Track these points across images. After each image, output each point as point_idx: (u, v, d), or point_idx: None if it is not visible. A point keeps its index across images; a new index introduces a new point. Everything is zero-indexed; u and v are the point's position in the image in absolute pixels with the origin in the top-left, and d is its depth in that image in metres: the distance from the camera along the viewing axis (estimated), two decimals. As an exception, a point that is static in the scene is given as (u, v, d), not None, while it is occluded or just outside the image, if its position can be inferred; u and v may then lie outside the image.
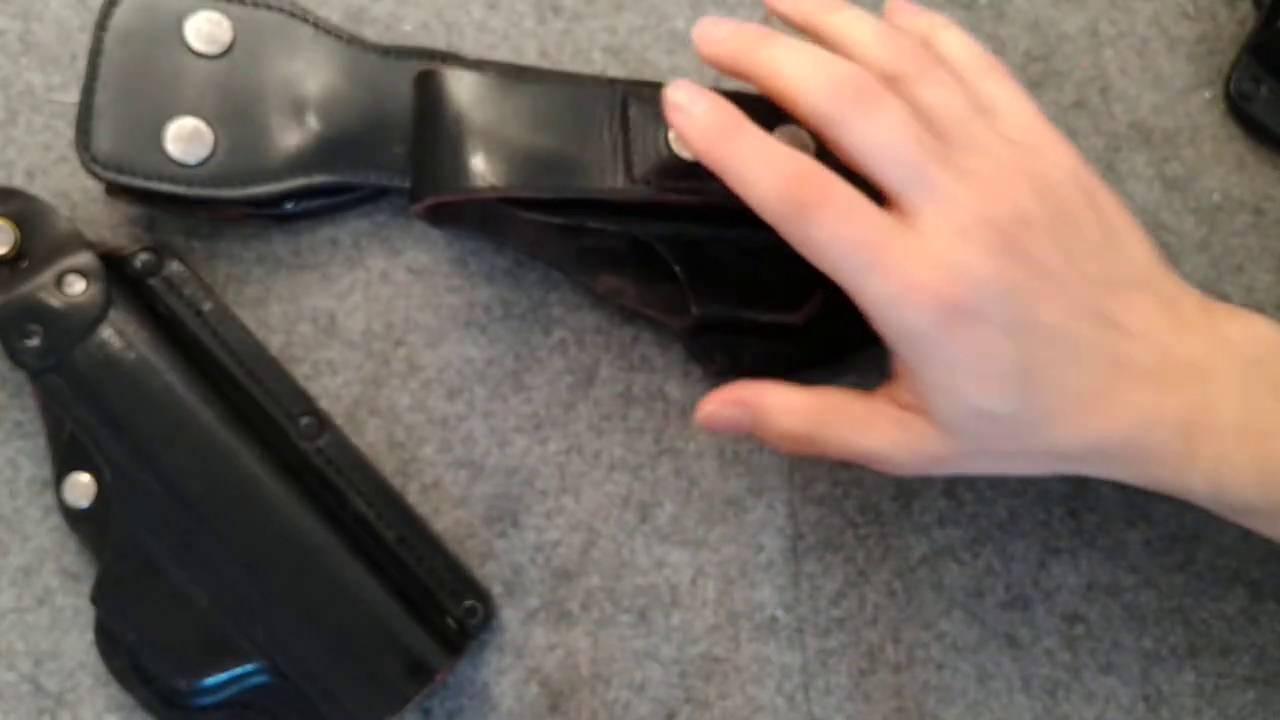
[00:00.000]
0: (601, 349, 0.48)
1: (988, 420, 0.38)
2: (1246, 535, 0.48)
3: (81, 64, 0.47)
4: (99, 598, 0.43)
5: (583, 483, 0.47)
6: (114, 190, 0.46)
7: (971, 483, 0.48)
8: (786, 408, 0.41)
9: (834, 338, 0.47)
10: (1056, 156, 0.40)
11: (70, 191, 0.48)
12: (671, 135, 0.43)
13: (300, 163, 0.46)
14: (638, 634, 0.46)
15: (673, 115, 0.39)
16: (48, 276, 0.43)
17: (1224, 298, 0.50)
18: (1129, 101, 0.51)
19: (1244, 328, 0.40)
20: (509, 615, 0.46)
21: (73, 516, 0.44)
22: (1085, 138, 0.51)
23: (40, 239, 0.44)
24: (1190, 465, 0.39)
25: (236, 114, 0.45)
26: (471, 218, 0.46)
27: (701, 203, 0.43)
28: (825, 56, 0.39)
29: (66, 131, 0.48)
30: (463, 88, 0.42)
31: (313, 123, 0.46)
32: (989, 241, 0.37)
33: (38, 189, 0.47)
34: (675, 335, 0.48)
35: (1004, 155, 0.39)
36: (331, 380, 0.47)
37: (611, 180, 0.42)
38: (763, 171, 0.37)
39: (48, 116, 0.48)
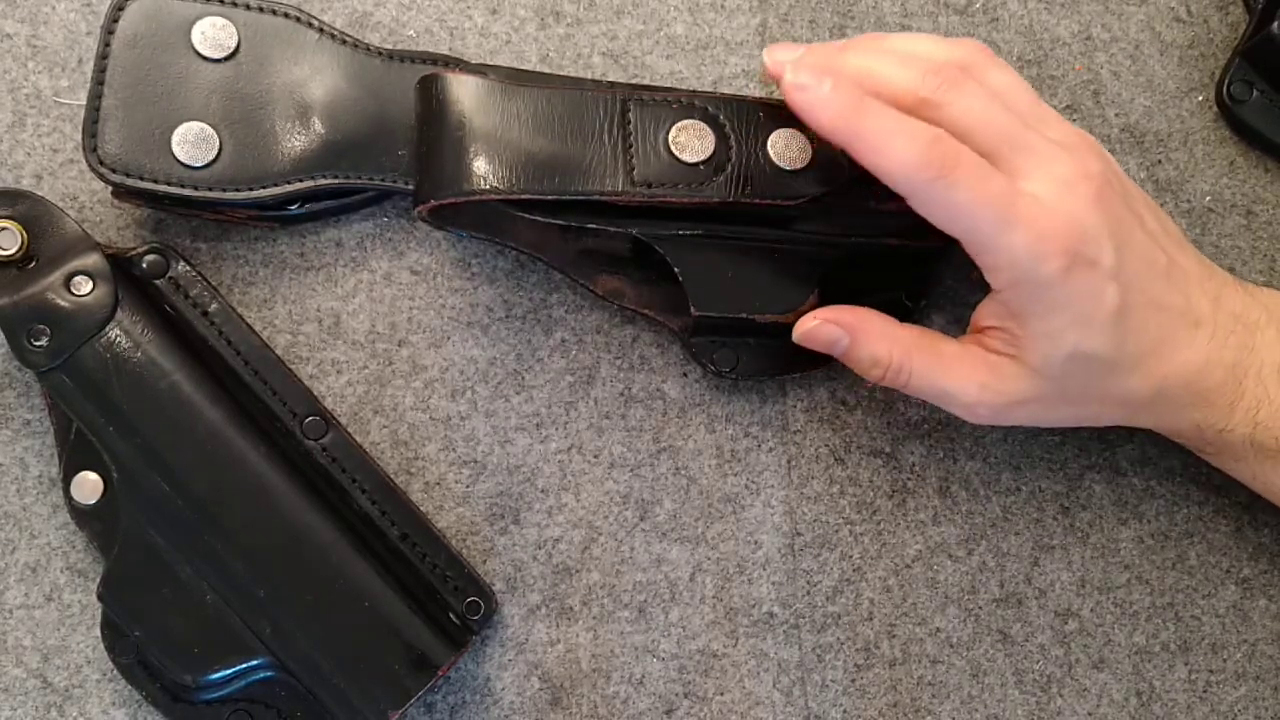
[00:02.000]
0: (601, 349, 0.49)
1: (1082, 364, 0.41)
2: (1238, 532, 0.49)
3: (88, 68, 0.48)
4: (106, 594, 0.43)
5: (583, 481, 0.48)
6: (121, 193, 0.46)
7: (966, 481, 0.49)
8: (884, 334, 0.44)
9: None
10: (1099, 145, 0.44)
11: (78, 194, 0.48)
12: (671, 137, 0.43)
13: (305, 165, 0.46)
14: (637, 629, 0.47)
15: (797, 95, 0.41)
16: (56, 278, 0.43)
17: (1215, 299, 0.50)
18: (1121, 105, 0.52)
19: (1269, 294, 0.45)
20: (511, 611, 0.47)
21: (80, 514, 0.44)
22: (1078, 141, 0.51)
23: (48, 241, 0.44)
24: (1237, 405, 0.43)
25: (242, 118, 0.46)
26: (474, 220, 0.47)
27: (701, 204, 0.44)
28: (907, 55, 0.42)
29: (74, 135, 0.48)
30: (465, 92, 0.43)
31: (317, 126, 0.46)
32: (1089, 194, 0.40)
33: (46, 191, 0.48)
34: (674, 335, 0.48)
35: (1071, 130, 0.42)
36: (336, 380, 0.48)
37: (612, 182, 0.43)
38: (901, 142, 0.39)
39: (55, 120, 0.49)
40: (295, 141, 0.46)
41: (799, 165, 0.44)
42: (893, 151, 0.39)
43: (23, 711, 0.45)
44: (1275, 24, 0.50)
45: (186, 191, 0.45)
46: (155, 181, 0.45)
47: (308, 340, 0.48)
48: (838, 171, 0.44)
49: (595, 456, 0.48)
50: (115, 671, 0.44)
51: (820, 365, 0.48)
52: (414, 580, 0.45)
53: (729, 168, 0.43)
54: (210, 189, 0.45)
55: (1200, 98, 0.52)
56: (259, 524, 0.43)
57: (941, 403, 0.44)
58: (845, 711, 0.47)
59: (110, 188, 0.46)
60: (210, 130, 0.45)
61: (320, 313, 0.48)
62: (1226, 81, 0.51)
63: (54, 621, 0.46)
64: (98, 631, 0.45)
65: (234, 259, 0.48)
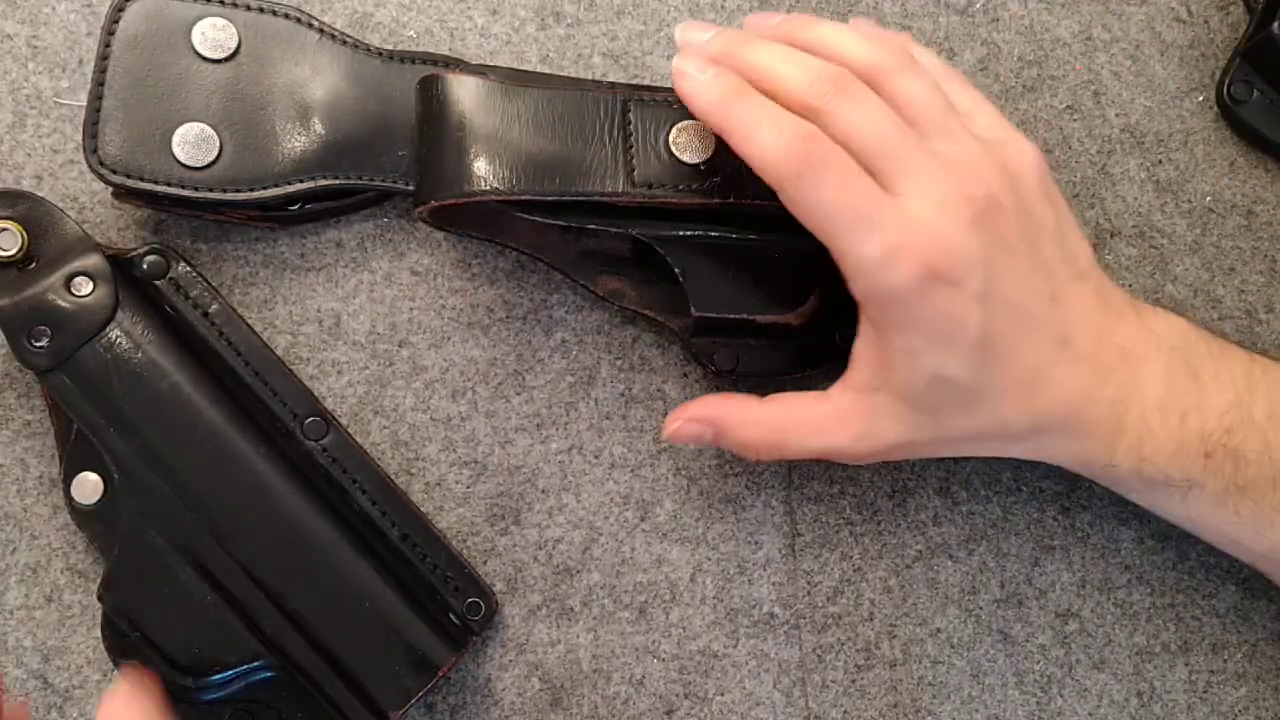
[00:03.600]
0: (602, 350, 0.49)
1: (946, 390, 0.41)
2: (1238, 533, 0.49)
3: (89, 69, 0.48)
4: (106, 595, 0.43)
5: (584, 481, 0.48)
6: (121, 193, 0.46)
7: (966, 481, 0.49)
8: (744, 419, 0.43)
9: (830, 339, 0.48)
10: (1020, 152, 0.43)
11: (78, 194, 0.48)
12: (672, 138, 0.43)
13: (305, 166, 0.46)
14: (638, 630, 0.47)
15: (680, 82, 0.41)
16: (56, 278, 0.43)
17: (1216, 300, 0.50)
18: (1122, 105, 0.52)
19: (1166, 322, 0.44)
20: (511, 612, 0.47)
21: (80, 515, 0.44)
22: (1078, 141, 0.51)
23: (49, 241, 0.44)
24: (1118, 440, 0.42)
25: (242, 118, 0.46)
26: (474, 220, 0.47)
27: (701, 205, 0.44)
28: (806, 56, 0.41)
29: (74, 135, 0.48)
30: (466, 93, 0.43)
31: (318, 127, 0.46)
32: (965, 217, 0.39)
33: (46, 192, 0.48)
34: (675, 336, 0.48)
35: (974, 146, 0.41)
36: (336, 380, 0.48)
37: (612, 183, 0.43)
38: (770, 132, 0.39)
39: (55, 120, 0.49)
40: (296, 142, 0.46)
41: (799, 166, 0.44)
42: (760, 141, 0.39)
43: (23, 712, 0.45)
44: (1276, 24, 0.50)
45: (187, 192, 0.45)
46: (155, 182, 0.45)
47: (308, 341, 0.48)
48: None
49: (596, 457, 0.48)
50: (116, 672, 0.44)
51: (820, 365, 0.48)
52: (414, 581, 0.45)
53: (729, 168, 0.43)
54: (211, 190, 0.45)
55: (1200, 98, 0.52)
56: (259, 525, 0.43)
57: (826, 458, 0.44)
58: (846, 712, 0.47)
59: (110, 188, 0.46)
60: (210, 131, 0.45)
61: (321, 313, 0.48)
62: (1227, 82, 0.51)
63: (54, 622, 0.46)
64: (98, 632, 0.45)
65: (234, 260, 0.48)
